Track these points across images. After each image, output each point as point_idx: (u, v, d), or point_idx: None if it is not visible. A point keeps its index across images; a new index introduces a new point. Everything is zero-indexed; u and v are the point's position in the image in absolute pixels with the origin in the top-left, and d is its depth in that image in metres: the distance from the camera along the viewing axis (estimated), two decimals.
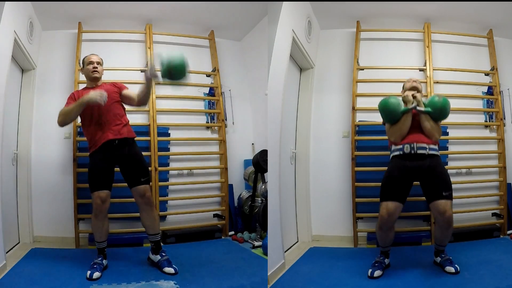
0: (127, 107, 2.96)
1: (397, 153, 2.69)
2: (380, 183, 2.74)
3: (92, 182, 2.72)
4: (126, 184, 2.84)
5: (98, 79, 2.88)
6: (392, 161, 2.74)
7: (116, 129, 2.74)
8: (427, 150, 2.61)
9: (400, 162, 2.67)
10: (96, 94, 2.60)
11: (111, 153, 2.73)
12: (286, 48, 3.02)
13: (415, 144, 2.62)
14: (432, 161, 2.63)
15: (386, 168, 2.79)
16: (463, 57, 3.80)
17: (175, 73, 2.52)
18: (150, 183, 2.90)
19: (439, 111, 2.67)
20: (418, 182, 2.70)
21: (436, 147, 2.68)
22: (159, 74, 2.57)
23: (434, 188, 2.59)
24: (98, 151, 2.73)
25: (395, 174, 2.67)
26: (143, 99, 2.87)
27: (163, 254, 2.78)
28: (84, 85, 3.01)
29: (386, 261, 2.75)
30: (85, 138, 3.43)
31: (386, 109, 2.72)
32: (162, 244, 2.87)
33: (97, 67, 2.85)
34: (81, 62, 3.04)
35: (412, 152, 2.61)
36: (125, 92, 2.92)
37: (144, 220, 2.81)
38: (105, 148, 2.71)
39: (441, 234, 2.65)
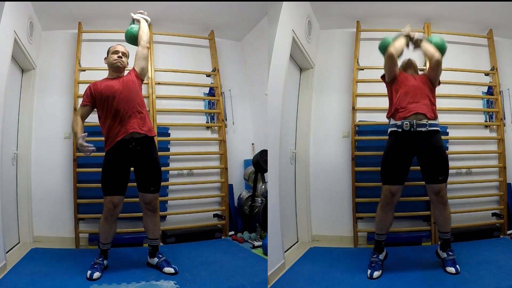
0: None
1: (395, 128, 2.67)
2: (380, 184, 2.74)
3: (105, 184, 2.63)
4: (129, 184, 2.81)
5: (121, 69, 2.75)
6: (391, 137, 2.72)
7: (135, 124, 2.62)
8: (427, 127, 2.60)
9: (399, 141, 2.66)
10: (80, 148, 2.52)
11: (128, 153, 2.62)
12: (286, 48, 3.02)
13: (414, 121, 2.60)
14: (432, 139, 2.62)
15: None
16: (463, 57, 3.80)
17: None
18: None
19: (436, 43, 2.75)
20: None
21: (436, 121, 2.66)
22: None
23: (432, 172, 2.65)
24: (115, 148, 2.61)
25: (394, 157, 2.68)
26: (141, 37, 2.80)
27: (160, 255, 2.78)
28: (84, 86, 2.99)
29: (381, 256, 2.73)
30: (86, 138, 3.46)
31: (385, 44, 2.78)
32: (161, 244, 2.86)
33: (121, 57, 2.73)
34: (86, 66, 3.00)
35: (412, 129, 2.59)
36: (135, 66, 2.81)
37: (146, 224, 2.80)
38: (123, 146, 2.61)
39: (439, 215, 2.69)
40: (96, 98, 2.68)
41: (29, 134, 3.57)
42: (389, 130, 2.75)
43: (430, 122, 2.62)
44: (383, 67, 2.82)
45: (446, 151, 3.53)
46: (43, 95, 3.65)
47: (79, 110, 2.72)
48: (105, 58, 2.82)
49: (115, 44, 2.82)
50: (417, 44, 2.82)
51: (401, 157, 2.67)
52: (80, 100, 3.04)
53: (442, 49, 2.78)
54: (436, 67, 2.71)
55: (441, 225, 2.70)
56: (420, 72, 3.65)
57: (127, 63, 2.83)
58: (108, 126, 2.64)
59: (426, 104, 2.65)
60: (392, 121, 2.73)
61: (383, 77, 2.87)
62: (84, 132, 2.54)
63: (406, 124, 2.61)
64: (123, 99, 2.63)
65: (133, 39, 2.85)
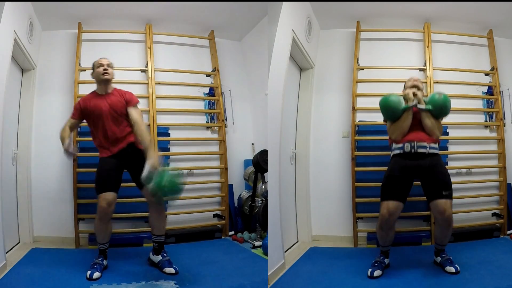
0: None
1: (397, 151, 2.70)
2: (381, 183, 2.73)
3: (98, 183, 2.66)
4: (127, 184, 2.83)
5: (108, 81, 2.79)
6: (393, 159, 2.75)
7: (124, 145, 2.73)
8: (428, 149, 2.62)
9: (401, 161, 2.67)
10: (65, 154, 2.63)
11: (122, 158, 2.72)
12: (286, 48, 3.02)
13: (415, 143, 2.62)
14: (432, 160, 2.63)
15: (386, 168, 2.78)
16: (463, 57, 3.81)
17: (165, 193, 2.43)
18: None
19: (440, 108, 2.68)
20: (419, 181, 2.70)
21: (436, 145, 2.69)
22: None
23: (434, 188, 2.59)
24: (108, 156, 2.72)
25: (396, 174, 2.67)
26: (138, 138, 2.73)
27: (165, 254, 2.77)
28: (84, 86, 3.00)
29: (386, 260, 2.75)
30: (85, 138, 3.48)
31: (387, 107, 2.72)
32: None
33: (107, 69, 2.77)
34: (86, 66, 3.01)
35: (413, 151, 2.62)
36: (130, 110, 2.76)
37: (153, 219, 2.79)
38: (115, 154, 2.72)
39: (441, 234, 2.65)
40: (84, 115, 2.77)
41: (29, 134, 3.56)
42: (392, 154, 2.77)
43: (431, 145, 2.63)
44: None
45: (446, 151, 3.58)
46: (43, 95, 3.65)
47: (68, 121, 2.79)
48: (92, 73, 2.87)
49: (98, 58, 2.85)
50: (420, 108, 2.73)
51: (402, 175, 2.64)
52: None
53: (446, 107, 2.70)
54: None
55: (440, 240, 2.69)
56: (420, 72, 3.70)
57: (113, 73, 2.84)
58: (100, 141, 2.74)
59: (425, 136, 2.66)
60: (394, 145, 2.74)
61: (384, 120, 2.89)
62: (71, 143, 2.64)
63: (407, 146, 2.63)
64: (110, 122, 2.71)
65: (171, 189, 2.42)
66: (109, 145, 2.72)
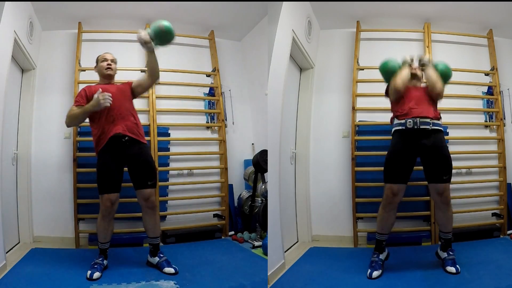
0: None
1: (399, 127, 2.69)
2: (381, 183, 2.73)
3: (101, 183, 2.66)
4: (127, 184, 2.83)
5: (111, 76, 2.86)
6: (395, 136, 2.74)
7: (128, 124, 2.71)
8: (430, 125, 2.61)
9: (403, 140, 2.67)
10: (100, 98, 2.59)
11: (121, 152, 2.68)
12: (286, 48, 3.02)
13: (418, 119, 2.61)
14: (436, 139, 2.63)
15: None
16: (463, 57, 3.80)
17: (163, 33, 2.60)
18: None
19: (441, 70, 2.74)
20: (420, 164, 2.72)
21: (439, 122, 2.68)
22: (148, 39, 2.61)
23: (436, 171, 2.63)
24: (106, 148, 2.67)
25: (398, 156, 2.67)
26: (153, 72, 2.80)
27: (161, 255, 2.77)
28: (84, 86, 3.00)
29: (382, 256, 2.74)
30: (85, 138, 3.49)
31: (386, 68, 2.79)
32: (161, 244, 2.86)
33: (111, 64, 2.84)
34: (86, 66, 3.03)
35: (415, 127, 2.60)
36: (134, 82, 2.88)
37: (146, 222, 2.80)
38: (114, 145, 2.66)
39: (442, 216, 2.68)
40: (90, 100, 2.71)
41: (29, 134, 3.56)
42: (393, 129, 2.77)
43: (433, 121, 2.63)
44: (384, 81, 2.87)
45: None
46: (43, 95, 3.65)
47: (72, 108, 2.76)
48: (95, 67, 2.92)
49: (103, 53, 2.91)
50: (423, 68, 2.79)
51: (405, 156, 2.66)
52: None
53: (447, 76, 2.76)
54: (436, 97, 2.72)
55: (443, 225, 2.71)
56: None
57: (116, 69, 2.91)
58: (101, 125, 2.69)
59: (428, 109, 2.66)
60: (396, 121, 2.73)
61: (386, 93, 2.90)
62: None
63: (410, 122, 2.62)
64: (117, 102, 2.69)
65: (166, 33, 2.62)
66: (110, 126, 2.66)
